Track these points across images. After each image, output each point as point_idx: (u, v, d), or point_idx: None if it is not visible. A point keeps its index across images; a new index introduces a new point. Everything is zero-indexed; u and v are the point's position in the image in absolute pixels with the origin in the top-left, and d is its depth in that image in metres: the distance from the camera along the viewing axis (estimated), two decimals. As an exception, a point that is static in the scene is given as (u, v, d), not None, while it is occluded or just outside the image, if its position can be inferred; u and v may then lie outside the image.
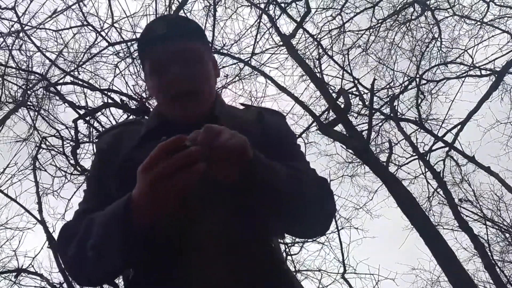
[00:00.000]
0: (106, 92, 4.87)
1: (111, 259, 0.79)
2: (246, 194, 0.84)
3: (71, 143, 4.98)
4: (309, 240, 5.38)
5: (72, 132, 4.88)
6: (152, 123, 1.03)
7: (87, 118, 4.73)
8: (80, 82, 5.11)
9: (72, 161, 4.97)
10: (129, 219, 0.75)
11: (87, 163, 5.58)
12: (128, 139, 1.00)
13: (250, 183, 0.81)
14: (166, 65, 0.97)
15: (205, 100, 1.02)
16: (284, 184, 0.88)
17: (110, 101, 4.77)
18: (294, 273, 0.96)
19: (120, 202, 0.79)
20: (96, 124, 4.86)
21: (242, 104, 1.27)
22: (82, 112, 4.73)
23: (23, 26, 5.21)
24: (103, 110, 4.75)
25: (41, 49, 5.34)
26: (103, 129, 4.92)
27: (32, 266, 5.62)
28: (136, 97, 4.76)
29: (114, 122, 4.99)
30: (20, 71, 5.49)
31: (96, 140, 1.13)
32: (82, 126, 5.02)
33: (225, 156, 0.75)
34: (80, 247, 0.83)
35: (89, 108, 4.84)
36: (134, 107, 4.63)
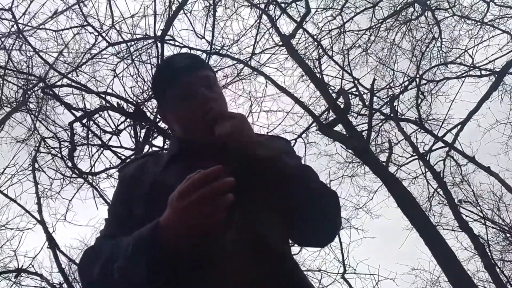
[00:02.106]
0: (102, 94, 4.86)
1: (137, 281, 0.82)
2: (253, 173, 0.91)
3: (68, 145, 4.97)
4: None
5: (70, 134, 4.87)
6: (174, 149, 1.12)
7: (84, 121, 4.72)
8: (76, 85, 5.10)
9: (69, 164, 4.96)
10: (157, 244, 0.79)
11: (84, 165, 5.56)
12: (152, 167, 1.09)
13: (254, 160, 0.92)
14: (197, 88, 1.09)
15: None
16: (291, 171, 0.95)
17: (107, 103, 4.77)
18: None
19: (148, 227, 0.83)
20: (93, 127, 4.84)
21: None
22: (78, 114, 4.72)
23: (22, 29, 5.20)
24: (101, 112, 4.74)
25: (38, 51, 5.34)
26: (101, 131, 4.91)
27: (32, 266, 5.64)
28: (132, 100, 4.75)
29: (112, 125, 4.99)
30: (18, 73, 5.47)
31: (119, 170, 1.22)
32: (80, 128, 5.00)
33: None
34: (106, 269, 0.86)
35: (86, 110, 4.83)
36: (130, 110, 4.62)
